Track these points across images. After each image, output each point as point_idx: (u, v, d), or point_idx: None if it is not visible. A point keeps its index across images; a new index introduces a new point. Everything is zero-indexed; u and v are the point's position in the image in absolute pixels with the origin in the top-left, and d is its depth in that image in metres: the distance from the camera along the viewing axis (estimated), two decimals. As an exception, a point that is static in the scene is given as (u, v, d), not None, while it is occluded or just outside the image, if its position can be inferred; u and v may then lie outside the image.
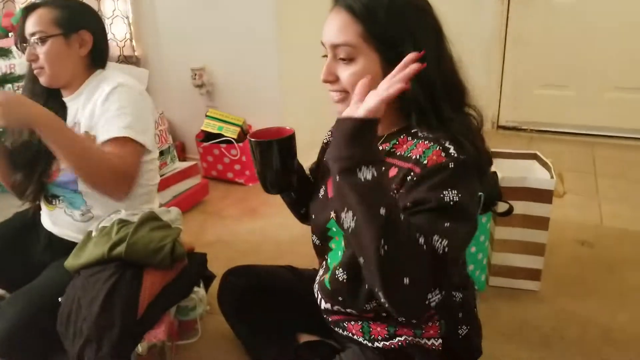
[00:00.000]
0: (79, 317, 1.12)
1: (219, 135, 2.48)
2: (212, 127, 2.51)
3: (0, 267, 1.42)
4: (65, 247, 1.35)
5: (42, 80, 1.32)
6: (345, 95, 0.89)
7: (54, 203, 1.41)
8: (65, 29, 1.29)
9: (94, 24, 1.36)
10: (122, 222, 1.28)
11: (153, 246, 1.24)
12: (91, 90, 1.36)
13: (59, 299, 1.19)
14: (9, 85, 2.17)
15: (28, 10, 1.31)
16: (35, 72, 1.32)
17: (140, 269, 1.23)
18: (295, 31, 2.42)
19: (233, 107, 2.58)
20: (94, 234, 1.28)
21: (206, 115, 2.55)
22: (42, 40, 1.27)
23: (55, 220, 1.42)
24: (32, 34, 1.28)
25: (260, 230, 2.06)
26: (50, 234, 1.42)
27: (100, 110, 1.28)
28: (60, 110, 1.37)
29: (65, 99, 1.38)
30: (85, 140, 1.28)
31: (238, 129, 2.47)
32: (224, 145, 2.48)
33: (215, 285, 1.35)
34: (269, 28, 2.40)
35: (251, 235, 2.04)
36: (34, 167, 1.37)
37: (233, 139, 2.42)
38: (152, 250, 1.23)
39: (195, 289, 1.42)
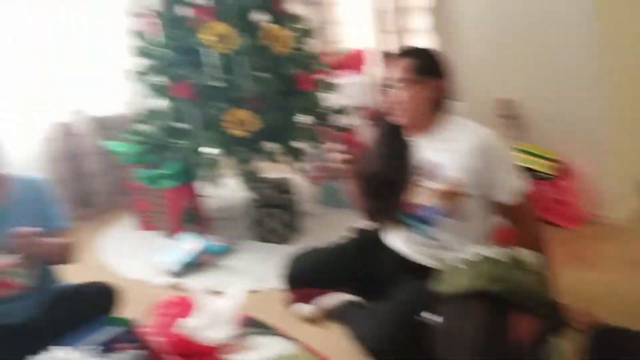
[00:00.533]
0: (457, 344, 1.16)
1: (529, 170, 2.30)
2: (520, 160, 2.35)
3: (352, 277, 1.65)
4: (412, 267, 1.46)
5: (401, 119, 1.46)
6: None
7: (404, 228, 1.50)
8: (425, 76, 1.42)
9: (444, 71, 1.47)
10: (490, 259, 1.26)
11: (530, 289, 1.19)
12: (443, 132, 1.45)
13: (418, 316, 1.29)
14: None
15: (395, 58, 1.47)
16: (395, 112, 1.45)
17: (511, 310, 1.19)
18: (626, 65, 2.12)
19: (543, 140, 2.37)
20: (456, 264, 1.30)
21: (513, 148, 2.42)
22: (409, 85, 1.38)
23: (405, 242, 1.52)
24: (400, 80, 1.40)
25: (595, 284, 1.78)
26: (397, 252, 1.52)
27: (484, 164, 1.37)
28: (403, 147, 1.50)
29: (411, 138, 1.50)
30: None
31: (551, 164, 2.25)
32: (535, 180, 2.28)
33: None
34: (593, 60, 2.14)
35: (583, 287, 1.77)
36: (386, 196, 1.49)
37: (550, 174, 2.22)
38: (530, 294, 1.19)
39: (555, 339, 1.31)
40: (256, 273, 2.21)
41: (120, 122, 3.35)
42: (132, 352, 1.43)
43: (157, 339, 1.51)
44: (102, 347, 1.43)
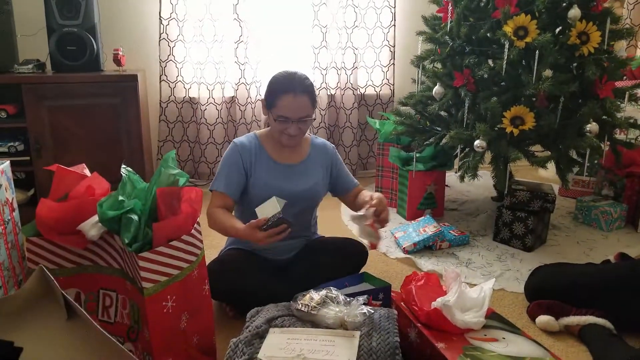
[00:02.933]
0: None
1: None
2: None
3: (606, 300, 1.64)
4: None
5: None
6: None
7: None
8: None
9: None
10: None
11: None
12: None
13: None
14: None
15: None
16: None
17: None
18: None
19: None
20: None
21: None
22: None
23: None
24: None
25: None
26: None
27: None
28: None
29: None
30: None
31: None
32: None
33: None
34: None
35: None
36: None
37: None
38: None
39: None
40: (493, 272, 2.16)
41: (384, 100, 3.62)
42: (384, 309, 1.51)
43: (411, 306, 1.58)
44: (359, 297, 1.55)
